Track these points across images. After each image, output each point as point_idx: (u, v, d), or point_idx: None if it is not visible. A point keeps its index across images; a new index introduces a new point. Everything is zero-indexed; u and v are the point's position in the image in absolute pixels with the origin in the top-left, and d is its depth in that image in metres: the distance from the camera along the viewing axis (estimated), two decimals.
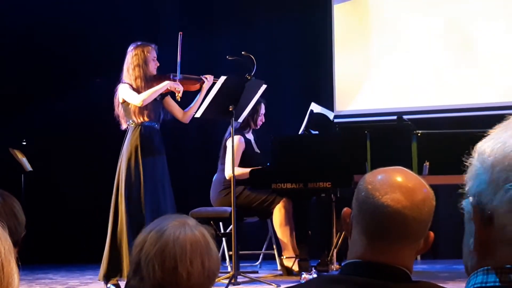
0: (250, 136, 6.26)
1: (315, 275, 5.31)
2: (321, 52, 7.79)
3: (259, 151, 6.29)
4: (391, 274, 1.49)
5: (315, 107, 6.36)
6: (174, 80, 5.67)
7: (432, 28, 7.38)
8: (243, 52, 5.65)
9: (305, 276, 5.34)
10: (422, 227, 1.52)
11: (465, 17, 7.29)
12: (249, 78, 5.54)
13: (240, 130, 6.10)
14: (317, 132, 6.23)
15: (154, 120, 5.65)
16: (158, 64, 5.71)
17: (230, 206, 5.55)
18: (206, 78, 5.71)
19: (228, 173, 5.94)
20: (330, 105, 7.29)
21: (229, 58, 5.74)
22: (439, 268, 6.43)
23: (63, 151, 7.99)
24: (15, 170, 7.21)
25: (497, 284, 1.03)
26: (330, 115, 6.69)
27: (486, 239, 1.06)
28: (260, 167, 5.98)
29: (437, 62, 7.34)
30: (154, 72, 5.67)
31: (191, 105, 5.75)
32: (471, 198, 1.08)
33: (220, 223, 6.28)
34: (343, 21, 7.70)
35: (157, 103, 5.69)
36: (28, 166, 7.22)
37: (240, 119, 5.76)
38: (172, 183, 6.17)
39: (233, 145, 5.55)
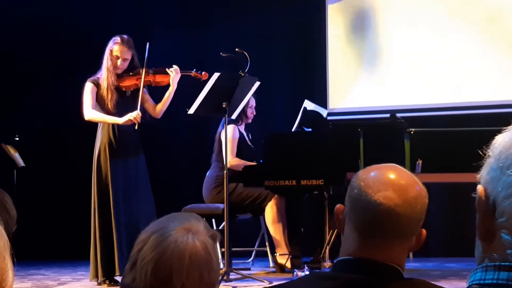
0: (242, 129, 6.27)
1: (307, 272, 5.31)
2: (314, 49, 7.78)
3: (252, 146, 6.30)
4: (383, 271, 1.49)
5: (308, 105, 6.36)
6: (148, 74, 5.51)
7: (426, 26, 7.38)
8: (236, 49, 5.65)
9: (298, 273, 5.34)
10: (414, 224, 1.52)
11: (460, 14, 7.30)
12: (242, 75, 5.53)
13: (233, 122, 6.11)
14: (310, 129, 6.23)
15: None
16: (121, 63, 5.49)
17: (223, 203, 5.55)
18: (172, 72, 5.52)
19: (228, 162, 5.91)
20: (323, 103, 7.29)
21: (223, 55, 5.73)
22: (430, 266, 6.44)
23: (56, 147, 7.97)
24: (8, 166, 7.19)
25: (494, 281, 1.04)
26: (324, 112, 6.69)
27: (490, 227, 1.07)
28: (254, 163, 5.99)
29: (431, 60, 7.35)
30: (120, 67, 5.51)
31: (162, 100, 5.56)
32: (479, 186, 1.09)
33: (213, 220, 6.28)
34: (336, 18, 7.70)
35: (128, 99, 5.54)
36: (21, 162, 7.20)
37: (233, 116, 5.76)
38: (164, 180, 6.15)
39: (227, 141, 5.54)
